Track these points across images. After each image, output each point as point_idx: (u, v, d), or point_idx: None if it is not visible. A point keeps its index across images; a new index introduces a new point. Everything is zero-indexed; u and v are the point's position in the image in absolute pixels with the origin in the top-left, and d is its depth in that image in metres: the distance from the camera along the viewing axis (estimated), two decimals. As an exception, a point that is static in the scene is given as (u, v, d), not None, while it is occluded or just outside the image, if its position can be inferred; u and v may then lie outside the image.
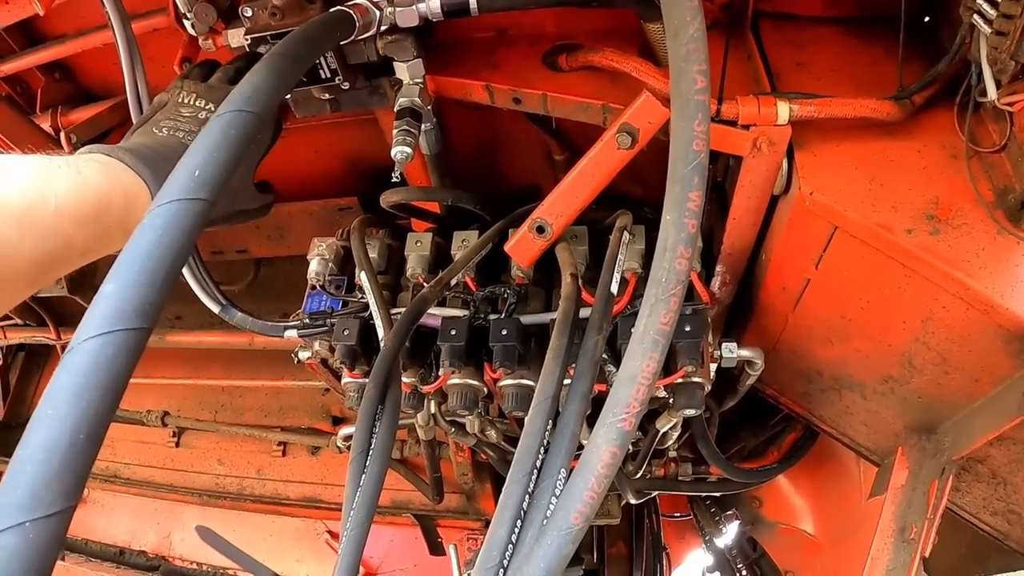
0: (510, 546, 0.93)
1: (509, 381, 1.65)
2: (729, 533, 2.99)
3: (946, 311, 1.53)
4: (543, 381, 1.23)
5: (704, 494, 2.72)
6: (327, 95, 1.70)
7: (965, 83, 1.47)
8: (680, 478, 2.27)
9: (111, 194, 1.05)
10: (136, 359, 0.67)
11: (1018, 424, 1.51)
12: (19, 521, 0.56)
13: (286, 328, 1.88)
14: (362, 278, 1.73)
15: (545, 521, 1.00)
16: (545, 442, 1.09)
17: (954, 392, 1.70)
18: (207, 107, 1.44)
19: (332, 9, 1.34)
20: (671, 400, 1.68)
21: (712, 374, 1.82)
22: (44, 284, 0.98)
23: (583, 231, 1.74)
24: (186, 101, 1.45)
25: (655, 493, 2.35)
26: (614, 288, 1.46)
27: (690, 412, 1.62)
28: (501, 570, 0.89)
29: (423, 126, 1.73)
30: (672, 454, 2.31)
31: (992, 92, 1.35)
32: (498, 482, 2.62)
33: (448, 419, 1.92)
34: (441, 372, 1.66)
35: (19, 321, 2.88)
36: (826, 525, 2.67)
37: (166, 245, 0.72)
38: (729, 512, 2.96)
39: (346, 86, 1.67)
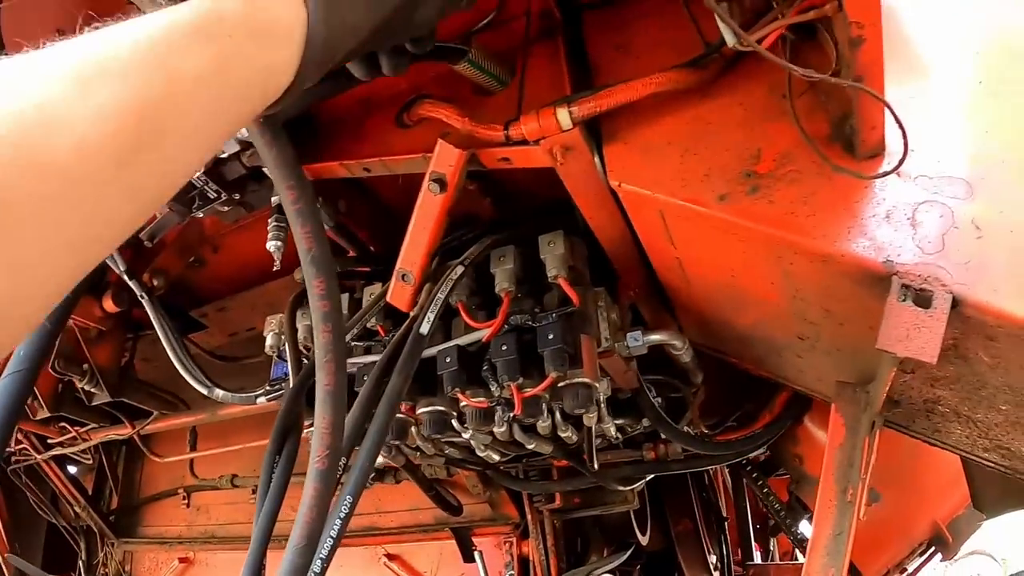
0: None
1: (423, 410, 1.82)
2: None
3: (795, 267, 1.48)
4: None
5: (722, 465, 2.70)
6: (228, 207, 1.95)
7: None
8: (672, 458, 2.31)
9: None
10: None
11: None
12: None
13: (257, 397, 2.17)
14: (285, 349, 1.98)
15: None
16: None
17: (859, 341, 1.63)
18: None
19: None
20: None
21: (631, 364, 1.89)
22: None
23: (510, 251, 1.82)
24: None
25: (649, 477, 2.40)
26: (424, 329, 1.58)
27: (581, 412, 1.70)
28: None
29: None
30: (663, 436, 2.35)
31: (731, 39, 1.31)
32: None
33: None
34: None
35: (96, 424, 3.44)
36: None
37: None
38: (777, 474, 2.91)
39: (237, 197, 1.92)
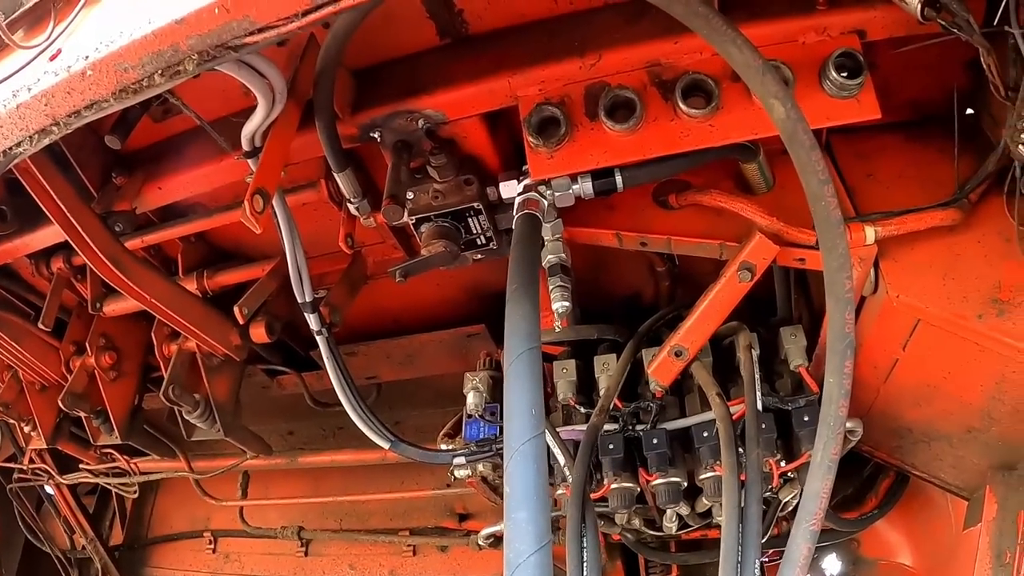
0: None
1: (660, 480, 2.07)
2: (830, 572, 3.39)
3: (1016, 374, 1.98)
4: (727, 495, 1.68)
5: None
6: (479, 255, 2.13)
7: (1010, 174, 1.87)
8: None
9: None
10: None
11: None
12: None
13: (454, 455, 2.30)
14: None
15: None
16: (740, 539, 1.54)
17: (1033, 433, 2.13)
18: None
19: (519, 218, 1.78)
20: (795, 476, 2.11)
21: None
22: None
23: (754, 337, 2.16)
24: None
25: (770, 551, 2.76)
26: (759, 405, 1.90)
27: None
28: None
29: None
30: (782, 513, 2.72)
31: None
32: (626, 558, 3.04)
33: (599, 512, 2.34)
34: (605, 481, 2.07)
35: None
36: (923, 556, 3.07)
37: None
38: (829, 554, 3.36)
39: (495, 246, 2.10)
